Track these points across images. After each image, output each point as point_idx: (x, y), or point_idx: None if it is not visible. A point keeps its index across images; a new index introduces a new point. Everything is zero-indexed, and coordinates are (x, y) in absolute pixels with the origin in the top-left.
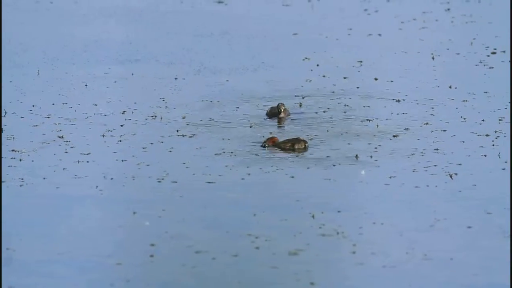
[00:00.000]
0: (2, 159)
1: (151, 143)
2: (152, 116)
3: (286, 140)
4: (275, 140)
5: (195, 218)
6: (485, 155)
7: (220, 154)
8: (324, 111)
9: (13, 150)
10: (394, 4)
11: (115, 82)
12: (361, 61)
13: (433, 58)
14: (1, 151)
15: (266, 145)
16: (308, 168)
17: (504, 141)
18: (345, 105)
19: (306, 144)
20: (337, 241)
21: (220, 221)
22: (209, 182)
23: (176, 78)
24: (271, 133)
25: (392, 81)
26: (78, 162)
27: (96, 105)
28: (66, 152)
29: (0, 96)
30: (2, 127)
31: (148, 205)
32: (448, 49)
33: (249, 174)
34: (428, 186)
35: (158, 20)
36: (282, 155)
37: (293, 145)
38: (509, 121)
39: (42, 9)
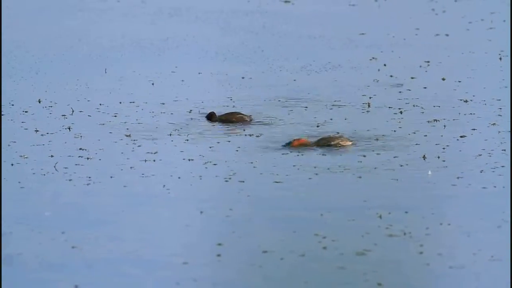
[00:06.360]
0: (70, 157)
1: (218, 142)
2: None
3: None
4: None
5: (262, 218)
6: None
7: (287, 153)
8: (394, 113)
9: (80, 149)
10: (462, 4)
11: (182, 81)
12: (428, 61)
13: (500, 58)
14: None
15: (339, 145)
16: (375, 168)
17: None
18: (413, 105)
19: (248, 118)
20: (404, 241)
21: (287, 221)
22: (277, 182)
23: (243, 77)
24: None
25: (459, 81)
26: (145, 161)
27: (163, 104)
28: (133, 151)
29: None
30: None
31: (215, 204)
32: None
33: (316, 174)
34: (495, 187)
35: (224, 19)
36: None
37: (234, 118)
38: None
39: (108, 8)
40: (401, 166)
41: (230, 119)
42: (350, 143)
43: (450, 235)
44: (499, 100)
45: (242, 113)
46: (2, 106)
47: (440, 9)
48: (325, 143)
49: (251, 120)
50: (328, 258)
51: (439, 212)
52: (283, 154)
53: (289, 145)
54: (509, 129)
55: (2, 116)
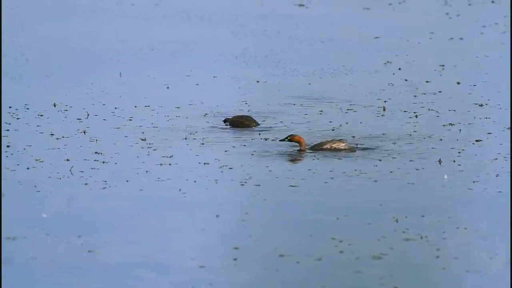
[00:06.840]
0: (85, 161)
1: (233, 146)
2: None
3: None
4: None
5: (278, 222)
6: None
7: (303, 158)
8: (410, 117)
9: (96, 153)
10: (475, 8)
11: (197, 84)
12: (443, 65)
13: None
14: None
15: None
16: (391, 172)
17: None
18: (428, 109)
19: (254, 124)
20: (421, 245)
21: (304, 225)
22: (292, 186)
23: (258, 81)
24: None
25: (474, 85)
26: (161, 165)
27: (178, 107)
28: (149, 155)
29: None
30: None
31: (231, 208)
32: None
33: (332, 178)
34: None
35: (238, 23)
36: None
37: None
38: None
39: (121, 11)
40: (417, 170)
41: (237, 123)
42: (344, 145)
43: (466, 239)
44: None
45: (250, 118)
46: (16, 110)
47: (454, 13)
48: (318, 147)
49: (257, 125)
50: (345, 262)
51: (456, 216)
52: (298, 158)
53: (290, 138)
54: None
55: (18, 120)
